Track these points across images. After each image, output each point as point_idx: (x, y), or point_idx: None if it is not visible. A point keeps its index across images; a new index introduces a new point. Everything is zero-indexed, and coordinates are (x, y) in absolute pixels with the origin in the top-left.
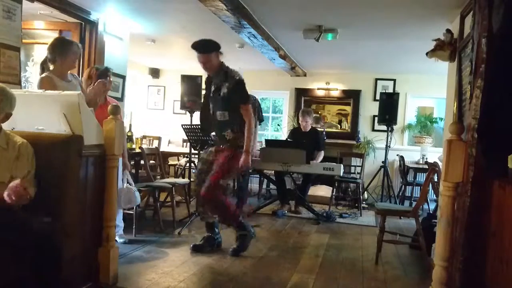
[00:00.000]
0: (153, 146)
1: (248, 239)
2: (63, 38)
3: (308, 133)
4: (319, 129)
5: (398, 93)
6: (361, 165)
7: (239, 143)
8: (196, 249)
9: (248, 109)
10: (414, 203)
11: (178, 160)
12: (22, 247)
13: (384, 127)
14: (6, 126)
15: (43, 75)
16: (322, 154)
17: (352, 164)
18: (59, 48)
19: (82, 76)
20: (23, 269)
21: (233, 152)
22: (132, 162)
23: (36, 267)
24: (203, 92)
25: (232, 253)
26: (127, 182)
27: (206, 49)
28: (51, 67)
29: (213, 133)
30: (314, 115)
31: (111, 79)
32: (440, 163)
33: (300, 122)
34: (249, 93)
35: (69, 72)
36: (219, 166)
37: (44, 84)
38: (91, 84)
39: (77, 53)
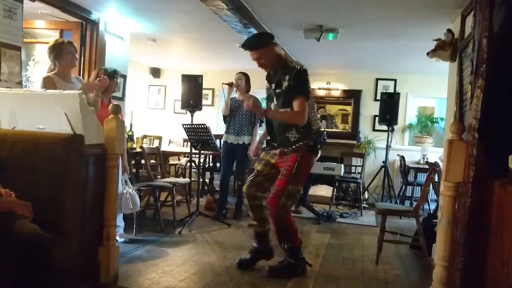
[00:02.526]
0: (154, 146)
1: (293, 271)
2: (56, 41)
3: None
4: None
5: (398, 93)
6: (361, 165)
7: (306, 143)
8: (242, 265)
9: (302, 102)
10: (414, 203)
11: (179, 159)
12: (3, 249)
13: (384, 127)
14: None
15: (45, 75)
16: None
17: (352, 164)
18: (53, 51)
19: (89, 77)
20: (4, 273)
21: (301, 154)
22: (133, 162)
23: (21, 271)
24: (204, 91)
25: (269, 271)
26: (126, 185)
27: (254, 44)
28: (55, 70)
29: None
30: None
31: (118, 81)
32: (440, 163)
33: None
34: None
35: (72, 74)
36: (288, 168)
37: (46, 84)
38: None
39: (72, 52)
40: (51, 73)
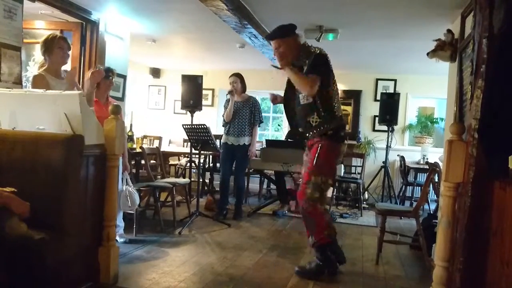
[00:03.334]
0: (154, 146)
1: (319, 272)
2: (48, 36)
3: None
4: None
5: (398, 93)
6: (361, 165)
7: (328, 128)
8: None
9: (313, 78)
10: (414, 204)
11: (179, 160)
12: None
13: (384, 127)
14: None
15: (36, 72)
16: None
17: (352, 164)
18: (44, 46)
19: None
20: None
21: (321, 144)
22: (133, 162)
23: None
24: (204, 92)
25: (296, 272)
26: (127, 184)
27: (273, 34)
28: (46, 65)
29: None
30: None
31: (113, 79)
32: (440, 164)
33: None
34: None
35: (63, 69)
36: (311, 160)
37: (37, 81)
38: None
39: (63, 47)
40: (42, 69)
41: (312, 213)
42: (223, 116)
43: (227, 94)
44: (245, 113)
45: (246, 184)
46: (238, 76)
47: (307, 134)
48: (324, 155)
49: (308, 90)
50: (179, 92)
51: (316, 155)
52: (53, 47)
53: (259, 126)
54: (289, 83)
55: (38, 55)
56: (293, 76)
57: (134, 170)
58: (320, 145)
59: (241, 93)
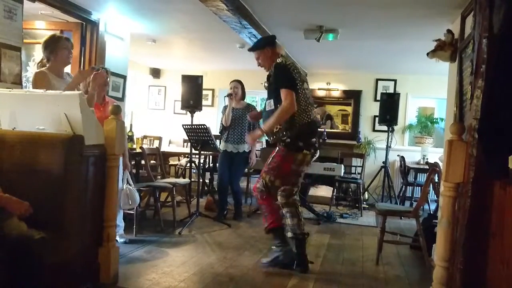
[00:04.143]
0: (154, 146)
1: (282, 257)
2: (53, 35)
3: None
4: (329, 129)
5: (398, 94)
6: (361, 165)
7: (285, 135)
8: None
9: (286, 93)
10: (414, 204)
11: (179, 160)
12: None
13: (384, 128)
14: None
15: (38, 70)
16: (317, 153)
17: (352, 165)
18: (50, 45)
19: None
20: None
21: (278, 149)
22: (133, 162)
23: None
24: (204, 92)
25: (264, 265)
26: (127, 183)
27: (253, 46)
28: (47, 65)
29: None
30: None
31: (108, 80)
32: (440, 164)
33: None
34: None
35: (65, 71)
36: (268, 162)
37: (38, 78)
38: (89, 83)
39: (68, 48)
40: (45, 68)
41: (261, 202)
42: (221, 122)
43: (225, 97)
44: (244, 121)
45: (246, 186)
46: (239, 82)
47: (270, 139)
48: (278, 160)
49: (291, 110)
50: (179, 92)
51: (272, 157)
52: (59, 47)
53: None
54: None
55: (38, 55)
56: (272, 122)
57: (134, 170)
58: (277, 149)
59: (240, 100)
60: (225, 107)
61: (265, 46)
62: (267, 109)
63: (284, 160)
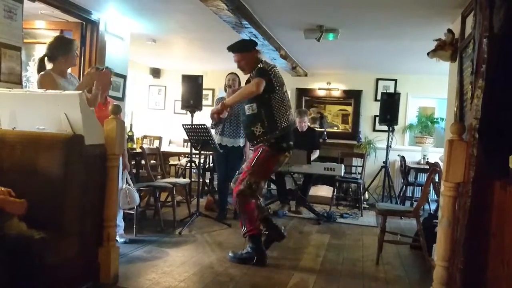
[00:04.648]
0: (154, 146)
1: (249, 259)
2: (64, 36)
3: (304, 133)
4: (318, 129)
5: (399, 93)
6: (362, 165)
7: (269, 139)
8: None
9: (258, 80)
10: (415, 204)
11: (179, 160)
12: None
13: (385, 127)
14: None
15: (43, 72)
16: (317, 153)
17: (353, 164)
18: (63, 45)
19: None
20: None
21: (261, 149)
22: (133, 162)
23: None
24: (204, 92)
25: (231, 257)
26: (127, 183)
27: (234, 48)
28: (50, 65)
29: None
30: (317, 112)
31: (111, 79)
32: (441, 163)
33: (298, 122)
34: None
35: (68, 72)
36: (249, 162)
37: (45, 81)
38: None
39: (76, 50)
40: (49, 70)
41: (244, 206)
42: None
43: (225, 89)
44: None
45: None
46: (236, 75)
47: (251, 143)
48: (262, 161)
49: (254, 90)
50: (179, 92)
51: (255, 160)
52: (71, 49)
53: None
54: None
55: (38, 55)
56: (237, 97)
57: (134, 170)
58: (261, 150)
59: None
60: (220, 99)
61: (249, 49)
62: (247, 113)
63: (268, 160)
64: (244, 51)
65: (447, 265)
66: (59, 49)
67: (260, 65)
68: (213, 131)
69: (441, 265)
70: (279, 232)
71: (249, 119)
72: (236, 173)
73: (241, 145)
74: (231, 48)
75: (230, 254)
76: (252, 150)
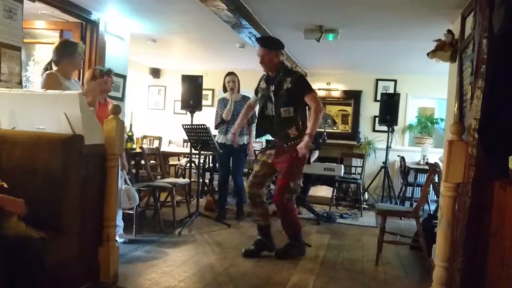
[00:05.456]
0: (154, 146)
1: (298, 251)
2: (68, 40)
3: None
4: (318, 129)
5: (399, 94)
6: (361, 165)
7: (301, 140)
8: (248, 255)
9: (314, 96)
10: (414, 204)
11: (179, 160)
12: None
13: (384, 128)
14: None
15: (49, 71)
16: (316, 153)
17: (352, 165)
18: (68, 48)
19: (83, 76)
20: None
21: (296, 154)
22: (133, 162)
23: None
24: (204, 92)
25: (277, 253)
26: (125, 183)
27: (267, 44)
28: (55, 68)
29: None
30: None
31: (112, 80)
32: (441, 164)
33: None
34: (248, 95)
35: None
36: (286, 168)
37: (51, 79)
38: (98, 92)
39: (81, 53)
40: (54, 70)
41: (291, 211)
42: (221, 116)
43: (229, 90)
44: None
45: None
46: (236, 75)
47: (284, 145)
48: (299, 164)
49: (321, 107)
50: (179, 92)
51: (294, 165)
52: (76, 52)
53: (253, 124)
54: (263, 97)
55: (38, 55)
56: (316, 123)
57: (134, 170)
58: (294, 156)
59: (236, 92)
60: (222, 100)
61: (278, 49)
62: (283, 116)
63: (302, 161)
64: (272, 48)
65: (447, 265)
66: (64, 52)
67: (298, 70)
68: (216, 131)
69: (440, 266)
70: (272, 244)
71: (284, 122)
72: (250, 176)
73: (245, 143)
74: (260, 41)
75: (275, 252)
76: (265, 151)
